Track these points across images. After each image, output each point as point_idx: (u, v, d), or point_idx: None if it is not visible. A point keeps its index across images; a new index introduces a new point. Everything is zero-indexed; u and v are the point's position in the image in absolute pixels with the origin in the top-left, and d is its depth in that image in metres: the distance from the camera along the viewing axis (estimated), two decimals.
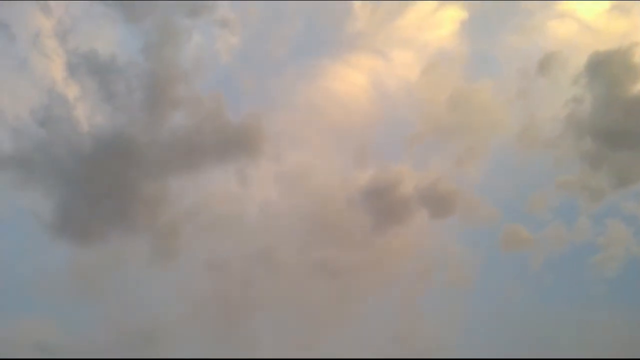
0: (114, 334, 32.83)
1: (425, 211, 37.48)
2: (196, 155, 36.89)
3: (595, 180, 36.81)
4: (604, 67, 37.12)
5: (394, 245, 37.37)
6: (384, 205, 37.04)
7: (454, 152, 39.44)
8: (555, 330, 33.80)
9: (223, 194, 38.20)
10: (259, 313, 34.10)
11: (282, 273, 35.90)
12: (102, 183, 36.14)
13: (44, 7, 37.65)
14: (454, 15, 41.50)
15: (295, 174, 38.95)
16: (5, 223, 35.37)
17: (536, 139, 38.28)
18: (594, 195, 36.91)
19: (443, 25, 41.96)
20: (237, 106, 39.07)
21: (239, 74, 41.26)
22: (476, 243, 37.55)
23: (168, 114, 37.01)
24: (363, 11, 41.88)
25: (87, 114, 37.08)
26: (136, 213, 36.33)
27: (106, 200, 36.14)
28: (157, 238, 36.02)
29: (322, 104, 42.01)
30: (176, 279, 34.87)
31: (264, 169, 38.62)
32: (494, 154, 39.39)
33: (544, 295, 35.75)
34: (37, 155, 35.92)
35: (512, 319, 34.24)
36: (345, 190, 38.55)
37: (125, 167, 36.35)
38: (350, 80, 42.79)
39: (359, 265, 36.51)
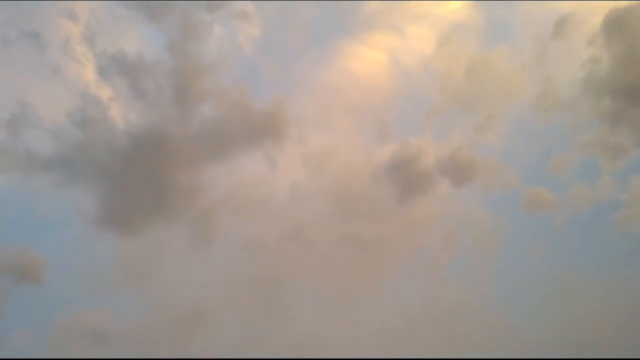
0: (162, 318, 34.81)
1: (447, 180, 38.47)
2: (225, 144, 38.52)
3: (615, 139, 37.02)
4: (621, 24, 36.84)
5: (419, 216, 38.53)
6: (406, 177, 38.17)
7: (473, 121, 40.05)
8: (582, 289, 34.32)
9: (253, 178, 39.80)
10: (294, 288, 35.59)
11: (313, 249, 37.39)
12: (140, 177, 37.94)
13: (70, 13, 39.33)
14: None
15: (320, 155, 40.40)
16: (53, 221, 37.33)
17: (554, 102, 38.57)
18: (615, 153, 37.17)
19: None
20: (261, 94, 40.32)
21: (261, 62, 42.49)
22: (499, 208, 38.46)
23: (196, 107, 38.61)
24: None
25: (120, 112, 38.74)
26: (173, 203, 38.11)
27: (145, 193, 37.93)
28: (195, 225, 37.87)
29: (342, 85, 42.92)
30: (214, 261, 36.64)
31: (290, 152, 40.01)
32: (513, 120, 39.97)
33: (569, 255, 36.30)
34: (77, 155, 37.55)
35: (538, 281, 35.05)
36: (369, 166, 39.81)
37: (160, 160, 38.08)
38: (368, 59, 43.52)
39: (385, 236, 37.80)
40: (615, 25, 37.07)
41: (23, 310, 33.66)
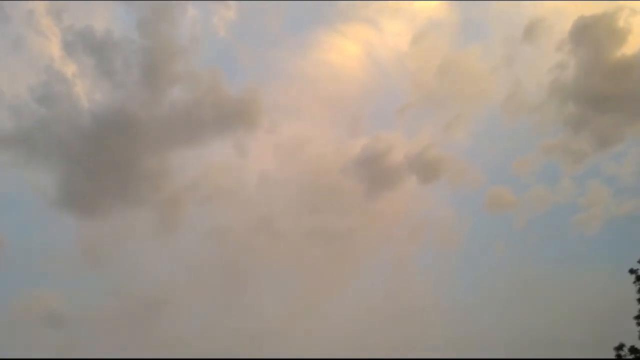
0: (121, 302, 34.24)
1: (414, 177, 39.05)
2: (195, 129, 37.95)
3: (577, 144, 38.09)
4: (589, 32, 37.77)
5: (386, 210, 39.17)
6: (376, 172, 38.53)
7: (443, 119, 40.75)
8: (538, 285, 35.23)
9: (222, 165, 39.47)
10: (260, 277, 35.63)
11: (280, 239, 37.46)
12: (104, 158, 37.02)
13: None
14: None
15: (292, 145, 40.45)
16: (10, 200, 36.19)
17: (521, 104, 39.45)
18: (576, 157, 38.27)
19: None
20: (235, 80, 40.29)
21: (235, 48, 42.10)
22: (463, 205, 39.56)
23: (166, 89, 37.95)
24: None
25: (85, 90, 37.74)
26: (139, 186, 37.40)
27: (109, 175, 37.08)
28: (160, 210, 37.36)
29: (317, 76, 43.02)
30: (179, 248, 36.16)
31: (261, 140, 39.96)
32: (481, 120, 40.93)
33: (528, 253, 37.34)
34: (38, 133, 36.31)
35: (498, 276, 35.87)
36: (340, 158, 40.11)
37: (126, 142, 37.21)
38: (344, 51, 43.70)
39: (353, 229, 38.17)
40: (582, 32, 38.07)
41: None
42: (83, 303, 33.82)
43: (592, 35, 37.71)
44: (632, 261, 14.79)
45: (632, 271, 14.72)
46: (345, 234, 37.64)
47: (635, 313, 14.60)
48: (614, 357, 14.50)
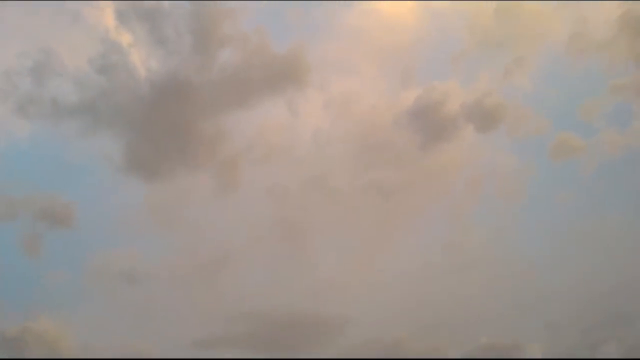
0: (189, 260, 35.90)
1: (471, 126, 37.58)
2: (246, 91, 38.01)
3: None
4: None
5: (442, 162, 38.15)
6: (430, 124, 37.36)
7: (502, 63, 38.58)
8: (610, 237, 33.82)
9: (275, 125, 39.72)
10: (317, 234, 36.12)
11: (336, 196, 37.58)
12: (163, 124, 38.16)
13: None
14: None
15: (343, 100, 39.89)
16: (80, 169, 38.18)
17: (588, 43, 36.90)
18: None
19: None
20: (283, 38, 39.41)
21: (282, 5, 41.27)
22: (526, 154, 37.79)
23: (217, 52, 38.06)
24: None
25: (141, 59, 38.53)
26: (198, 149, 38.37)
27: (169, 139, 38.21)
28: (219, 171, 38.28)
29: (365, 27, 41.63)
30: (239, 207, 37.18)
31: (312, 97, 39.46)
32: (544, 62, 38.56)
33: (598, 201, 35.80)
34: (101, 103, 37.86)
35: (562, 228, 34.68)
36: (393, 111, 39.13)
37: (182, 107, 38.04)
38: None
39: (408, 183, 37.64)
40: None
41: (56, 253, 35.10)
42: (154, 260, 35.68)
43: None
44: None
45: None
46: (401, 189, 37.25)
47: None
48: None
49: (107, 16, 38.37)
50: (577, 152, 36.54)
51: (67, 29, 38.99)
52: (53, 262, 34.87)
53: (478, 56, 39.56)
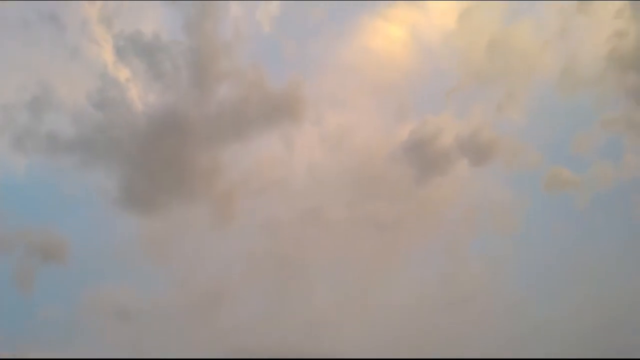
0: (184, 295, 35.62)
1: (466, 160, 37.97)
2: (243, 125, 38.52)
3: None
4: None
5: (437, 195, 38.22)
6: (425, 157, 37.78)
7: (495, 98, 39.24)
8: (605, 269, 33.87)
9: (271, 159, 39.87)
10: (312, 267, 35.91)
11: (331, 229, 37.51)
12: (160, 157, 38.45)
13: None
14: None
15: (338, 134, 40.19)
16: (74, 202, 38.03)
17: (578, 78, 37.56)
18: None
19: None
20: (280, 73, 39.95)
21: (279, 41, 41.98)
22: (520, 187, 37.81)
23: (214, 87, 38.66)
24: None
25: (139, 94, 39.09)
26: (193, 183, 38.63)
27: (165, 173, 38.45)
28: (215, 204, 38.33)
29: (361, 63, 42.22)
30: (234, 241, 36.98)
31: (307, 132, 39.94)
32: (535, 97, 39.05)
33: (592, 234, 35.69)
34: (97, 137, 38.11)
35: (558, 261, 34.61)
36: (387, 145, 39.53)
37: (179, 141, 38.46)
38: (388, 35, 42.66)
39: (403, 216, 37.69)
40: None
41: (49, 288, 34.79)
42: (147, 296, 35.42)
43: None
44: None
45: None
46: (396, 222, 37.32)
47: None
48: None
49: (106, 51, 39.07)
50: (571, 185, 36.84)
51: (66, 63, 39.48)
52: (45, 297, 34.70)
53: (470, 91, 40.20)
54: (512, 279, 34.55)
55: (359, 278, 35.62)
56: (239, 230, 37.42)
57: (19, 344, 31.54)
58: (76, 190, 38.21)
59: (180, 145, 38.78)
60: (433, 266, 35.38)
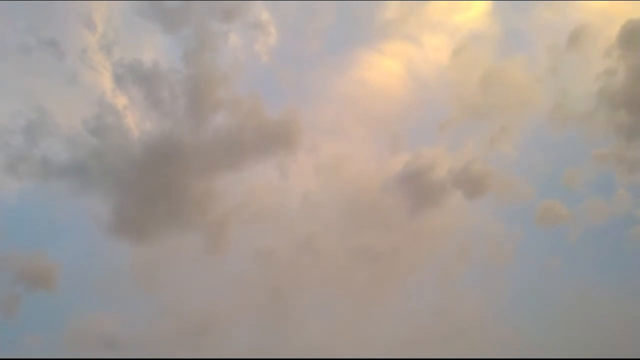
0: (173, 324, 35.14)
1: (459, 192, 38.21)
2: (238, 153, 38.66)
3: (632, 152, 36.53)
4: (637, 36, 36.38)
5: (431, 227, 38.40)
6: (419, 189, 38.00)
7: (488, 132, 39.88)
8: (596, 304, 34.02)
9: (265, 187, 39.96)
10: (305, 298, 35.68)
11: (324, 259, 37.47)
12: (154, 185, 38.26)
13: (88, 22, 39.79)
14: None
15: (333, 164, 40.48)
16: (67, 228, 37.76)
17: (569, 114, 38.23)
18: (631, 166, 36.69)
19: (473, 6, 42.31)
20: (277, 102, 40.52)
21: (276, 71, 42.69)
22: (513, 221, 38.12)
23: (210, 115, 38.96)
24: None
25: (135, 121, 39.21)
26: (187, 210, 38.34)
27: (159, 201, 38.23)
28: (208, 232, 38.09)
29: (356, 94, 43.04)
30: (227, 269, 36.83)
31: (302, 161, 40.10)
32: (528, 131, 39.76)
33: (585, 269, 35.89)
34: (92, 163, 38.01)
35: (552, 294, 34.67)
36: (382, 176, 39.81)
37: (174, 168, 38.42)
38: (384, 68, 43.64)
39: (397, 247, 37.68)
40: (631, 37, 36.70)
41: (35, 315, 34.14)
42: (135, 325, 34.93)
43: None
44: None
45: None
46: (390, 253, 37.33)
47: None
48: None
49: (105, 78, 39.40)
50: (563, 218, 37.14)
51: (64, 89, 39.73)
52: (31, 325, 33.98)
53: (464, 124, 40.81)
54: (505, 312, 34.40)
55: (352, 309, 35.38)
56: (230, 258, 37.32)
57: None
58: (68, 216, 38.09)
59: (174, 173, 38.75)
60: (426, 298, 35.32)
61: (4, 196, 38.09)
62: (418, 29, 43.41)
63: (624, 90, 36.67)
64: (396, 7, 42.89)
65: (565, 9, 40.77)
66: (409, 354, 31.95)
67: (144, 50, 40.44)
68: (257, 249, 37.56)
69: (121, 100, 39.26)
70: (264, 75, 41.87)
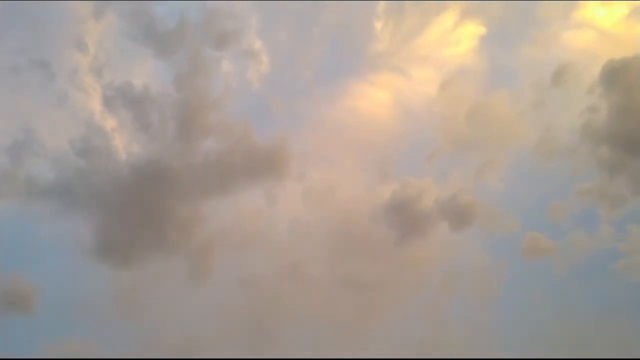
0: (152, 351, 33.93)
1: (446, 223, 38.31)
2: (227, 178, 38.65)
3: (614, 188, 37.08)
4: (619, 75, 37.38)
5: (417, 257, 38.36)
6: (406, 218, 38.12)
7: (474, 164, 40.47)
8: (581, 337, 34.01)
9: (253, 213, 39.77)
10: (290, 326, 35.25)
11: (310, 287, 37.08)
12: (139, 208, 38.04)
13: (80, 44, 40.09)
14: (473, 31, 42.97)
15: (321, 192, 40.48)
16: (48, 250, 36.90)
17: (553, 149, 38.95)
18: (614, 202, 37.20)
19: (461, 42, 43.44)
20: (266, 129, 40.80)
21: (267, 98, 43.12)
22: (499, 253, 38.14)
23: (200, 140, 39.09)
24: (385, 31, 43.87)
25: (123, 143, 39.21)
26: (172, 235, 38.03)
27: (143, 224, 37.93)
28: (192, 258, 37.66)
29: (346, 123, 43.55)
30: (211, 296, 36.19)
31: (290, 187, 40.09)
32: (513, 164, 40.33)
33: (569, 301, 35.99)
34: (77, 184, 37.73)
35: (538, 326, 34.70)
36: (369, 205, 39.82)
37: (160, 192, 38.22)
38: (374, 98, 44.36)
39: (383, 277, 37.56)
40: (612, 76, 37.62)
41: (10, 339, 33.10)
42: (115, 352, 33.79)
43: (623, 78, 37.24)
44: None
45: None
46: (376, 283, 37.12)
47: None
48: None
49: (94, 100, 39.36)
50: (548, 252, 37.38)
51: (52, 109, 39.70)
52: (4, 348, 32.78)
53: (450, 156, 41.37)
54: (491, 343, 34.16)
55: (337, 338, 34.88)
56: (215, 285, 36.71)
57: None
58: (50, 237, 37.35)
59: (161, 197, 38.52)
60: (412, 328, 34.96)
61: None
62: (407, 61, 44.43)
63: (607, 127, 37.45)
64: (387, 40, 43.97)
65: (550, 47, 42.10)
66: None
67: (136, 74, 40.69)
68: (242, 276, 37.24)
69: (110, 123, 39.35)
70: (255, 102, 42.34)
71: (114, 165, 38.37)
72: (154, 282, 37.08)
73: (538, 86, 40.19)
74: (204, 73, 38.61)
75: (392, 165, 41.23)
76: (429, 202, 38.86)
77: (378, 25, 43.55)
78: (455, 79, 42.19)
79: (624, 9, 41.29)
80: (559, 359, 30.36)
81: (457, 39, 43.35)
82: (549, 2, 41.82)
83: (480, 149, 40.62)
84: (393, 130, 42.72)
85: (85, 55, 39.94)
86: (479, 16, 42.73)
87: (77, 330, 34.73)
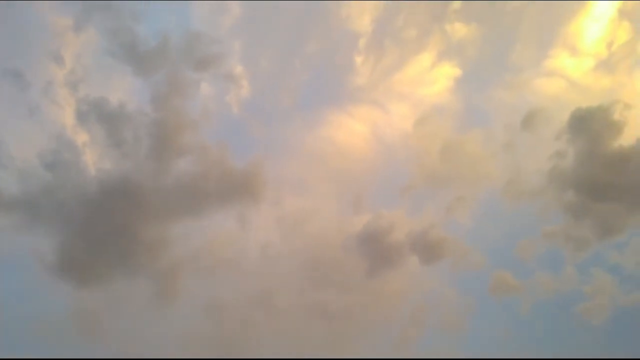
0: None
1: (416, 257, 38.68)
2: (199, 201, 38.17)
3: (579, 231, 38.10)
4: (586, 123, 38.80)
5: (387, 289, 38.55)
6: (377, 250, 38.31)
7: (445, 200, 41.05)
8: None
9: (224, 237, 39.40)
10: (257, 355, 34.39)
11: (280, 315, 36.73)
12: (106, 226, 37.03)
13: (57, 57, 39.63)
14: (449, 72, 44.18)
15: (294, 219, 40.55)
16: (9, 265, 35.57)
17: (522, 190, 39.94)
18: (578, 245, 38.13)
19: (438, 81, 44.56)
20: (243, 153, 40.62)
21: (245, 123, 43.23)
22: (466, 288, 38.71)
23: (174, 160, 38.65)
24: (365, 66, 44.88)
25: (94, 159, 38.53)
26: (138, 256, 37.13)
27: (109, 243, 36.92)
28: (158, 281, 36.81)
29: (323, 152, 43.97)
30: (176, 321, 35.42)
31: (264, 213, 40.07)
32: (483, 203, 41.13)
33: (534, 340, 36.59)
34: (43, 198, 36.73)
35: None
36: (342, 235, 40.06)
37: (129, 211, 37.41)
38: (351, 129, 45.01)
39: (353, 307, 37.53)
40: (580, 123, 39.03)
41: None
42: None
43: (590, 126, 38.67)
44: None
45: None
46: (346, 313, 37.02)
47: None
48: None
49: (67, 114, 38.67)
50: (514, 290, 37.96)
51: (23, 121, 38.70)
52: None
53: (423, 191, 41.99)
54: None
55: None
56: (180, 310, 36.04)
57: None
58: (11, 252, 35.85)
59: (129, 216, 37.68)
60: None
61: None
62: (385, 96, 45.43)
63: (573, 172, 38.69)
64: (366, 74, 44.95)
65: (522, 92, 43.68)
66: None
67: (112, 90, 40.20)
68: (210, 300, 36.62)
69: (81, 137, 38.71)
70: (232, 125, 42.28)
71: (82, 181, 37.58)
72: (116, 303, 36.23)
73: (509, 128, 41.53)
74: (182, 94, 38.57)
75: (366, 196, 41.75)
76: (401, 235, 39.34)
77: (359, 59, 44.64)
78: (430, 116, 43.36)
79: (590, 61, 43.24)
80: None
81: (433, 78, 44.65)
82: (523, 49, 43.60)
83: (452, 185, 41.51)
84: (369, 162, 43.36)
85: (62, 68, 39.48)
86: (455, 58, 44.22)
87: (34, 349, 32.92)
